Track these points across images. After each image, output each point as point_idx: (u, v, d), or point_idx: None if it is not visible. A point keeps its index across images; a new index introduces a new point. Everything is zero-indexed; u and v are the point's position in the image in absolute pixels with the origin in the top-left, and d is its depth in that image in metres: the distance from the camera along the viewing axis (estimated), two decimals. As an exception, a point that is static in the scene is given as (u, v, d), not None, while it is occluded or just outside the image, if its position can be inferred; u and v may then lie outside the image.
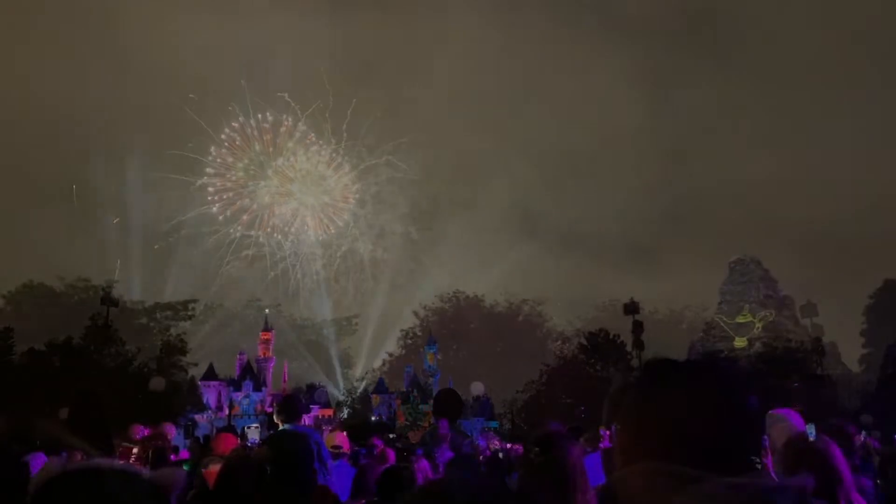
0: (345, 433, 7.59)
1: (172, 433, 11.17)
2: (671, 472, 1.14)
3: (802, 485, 1.19)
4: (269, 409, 44.09)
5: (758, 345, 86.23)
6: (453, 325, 42.31)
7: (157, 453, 8.49)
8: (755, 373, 45.30)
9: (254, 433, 30.98)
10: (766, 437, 4.51)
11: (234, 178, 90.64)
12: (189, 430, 41.04)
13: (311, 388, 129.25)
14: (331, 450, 6.21)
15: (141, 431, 9.87)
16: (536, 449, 3.04)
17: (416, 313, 44.95)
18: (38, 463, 7.61)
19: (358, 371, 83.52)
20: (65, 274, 39.58)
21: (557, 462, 2.93)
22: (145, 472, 1.43)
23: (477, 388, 29.31)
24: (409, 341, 44.24)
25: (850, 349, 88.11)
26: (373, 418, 51.70)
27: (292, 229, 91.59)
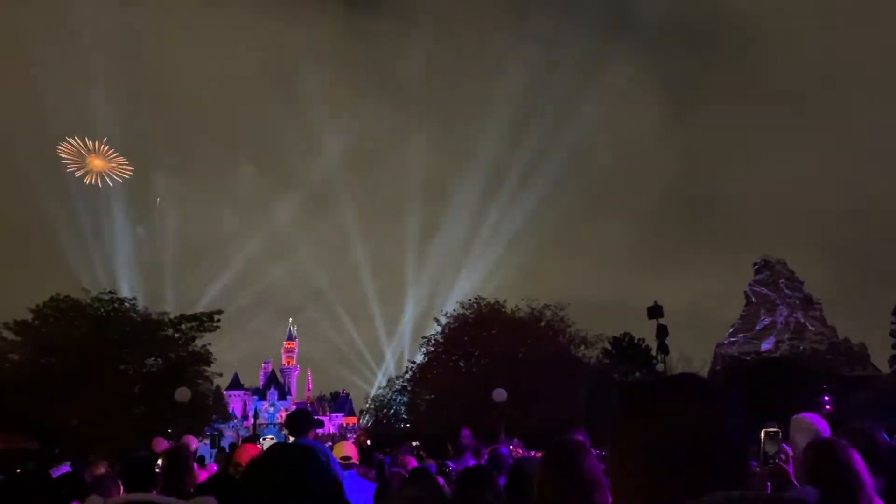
0: (351, 442, 7.57)
1: (194, 444, 11.20)
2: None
3: (803, 499, 1.17)
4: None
5: (784, 346, 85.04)
6: (475, 331, 41.94)
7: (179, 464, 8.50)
8: (781, 376, 44.73)
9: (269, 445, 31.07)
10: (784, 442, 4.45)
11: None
12: (215, 440, 41.33)
13: (336, 395, 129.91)
14: (340, 461, 6.19)
15: (162, 444, 9.87)
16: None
17: (436, 320, 44.83)
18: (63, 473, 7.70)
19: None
20: (91, 286, 40.42)
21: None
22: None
23: (499, 394, 29.15)
24: (432, 349, 43.97)
25: (879, 350, 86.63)
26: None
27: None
